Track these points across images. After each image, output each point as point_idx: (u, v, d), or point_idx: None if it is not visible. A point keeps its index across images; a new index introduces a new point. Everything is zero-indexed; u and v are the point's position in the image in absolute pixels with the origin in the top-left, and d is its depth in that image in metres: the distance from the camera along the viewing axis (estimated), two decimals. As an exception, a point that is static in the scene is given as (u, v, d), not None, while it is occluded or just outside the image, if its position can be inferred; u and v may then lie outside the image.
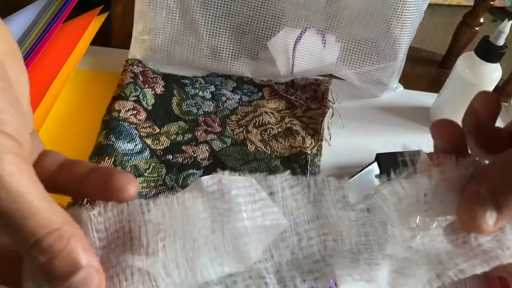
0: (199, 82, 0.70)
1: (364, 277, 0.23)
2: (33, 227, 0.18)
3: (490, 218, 0.21)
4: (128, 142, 0.58)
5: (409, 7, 0.64)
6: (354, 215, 0.23)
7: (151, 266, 0.20)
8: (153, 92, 0.66)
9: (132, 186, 0.22)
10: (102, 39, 0.71)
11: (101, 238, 0.21)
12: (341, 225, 0.23)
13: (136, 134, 0.60)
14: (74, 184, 0.22)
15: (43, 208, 0.18)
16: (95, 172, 0.22)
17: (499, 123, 0.25)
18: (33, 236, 0.18)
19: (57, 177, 0.22)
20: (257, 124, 0.64)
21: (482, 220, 0.21)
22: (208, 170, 0.58)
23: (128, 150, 0.58)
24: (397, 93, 0.75)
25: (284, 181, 0.23)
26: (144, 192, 0.55)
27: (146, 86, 0.66)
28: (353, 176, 0.55)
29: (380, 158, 0.56)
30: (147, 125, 0.62)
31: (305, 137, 0.63)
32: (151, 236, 0.20)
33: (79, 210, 0.21)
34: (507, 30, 0.60)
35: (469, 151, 0.25)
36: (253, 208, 0.21)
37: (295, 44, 0.69)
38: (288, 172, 0.23)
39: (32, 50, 0.60)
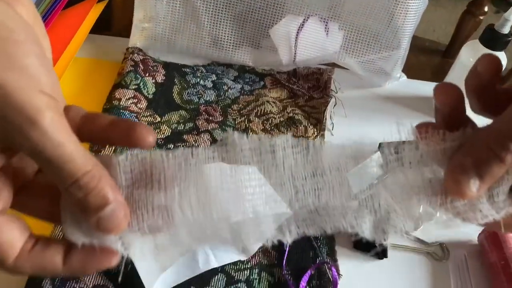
0: (200, 71, 0.69)
1: (350, 227, 0.26)
2: (72, 169, 0.22)
3: (473, 185, 0.23)
4: (129, 130, 0.58)
5: (414, -6, 0.63)
6: (346, 174, 0.26)
7: (169, 205, 0.23)
8: (153, 80, 0.65)
9: (151, 136, 0.25)
10: (102, 26, 0.70)
11: (127, 179, 0.24)
12: (333, 182, 0.26)
13: (137, 122, 0.59)
14: (98, 133, 0.25)
15: (79, 154, 0.22)
16: (117, 124, 0.25)
17: None
18: (72, 176, 0.22)
19: (81, 128, 0.25)
20: (259, 114, 0.64)
21: (466, 187, 0.23)
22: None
23: (129, 138, 0.57)
24: (400, 83, 0.74)
25: (285, 142, 0.26)
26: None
27: (147, 75, 0.65)
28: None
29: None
30: (148, 113, 0.61)
31: (307, 126, 0.63)
32: (169, 181, 0.24)
33: (107, 156, 0.25)
34: (512, 18, 0.60)
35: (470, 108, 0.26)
36: (257, 160, 0.25)
37: (297, 32, 0.68)
38: (290, 134, 0.26)
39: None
